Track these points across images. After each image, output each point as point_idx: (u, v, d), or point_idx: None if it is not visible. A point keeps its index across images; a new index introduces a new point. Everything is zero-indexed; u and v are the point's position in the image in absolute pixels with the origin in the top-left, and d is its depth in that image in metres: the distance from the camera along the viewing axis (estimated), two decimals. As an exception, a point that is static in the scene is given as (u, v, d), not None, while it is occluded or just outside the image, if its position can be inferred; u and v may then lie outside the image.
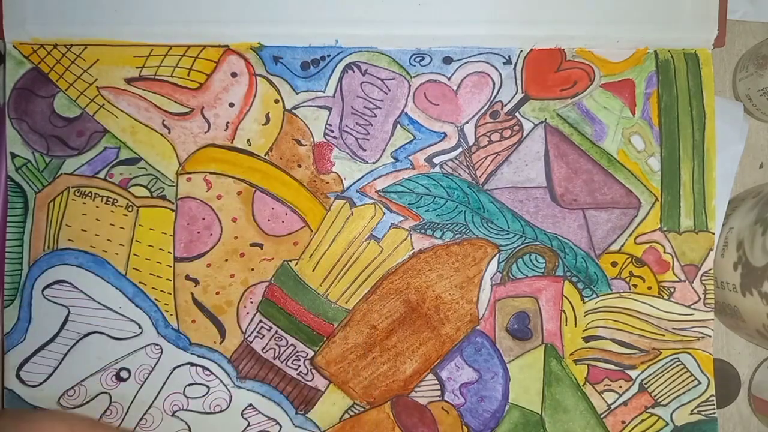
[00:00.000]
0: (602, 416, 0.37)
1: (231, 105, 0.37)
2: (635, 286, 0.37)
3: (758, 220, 0.34)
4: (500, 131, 0.37)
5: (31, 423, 0.30)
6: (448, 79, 0.37)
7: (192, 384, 0.37)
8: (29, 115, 0.37)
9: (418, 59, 0.37)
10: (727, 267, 0.35)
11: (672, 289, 0.37)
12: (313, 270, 0.37)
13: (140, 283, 0.37)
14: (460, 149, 0.37)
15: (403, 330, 0.37)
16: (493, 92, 0.37)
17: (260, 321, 0.37)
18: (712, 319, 0.37)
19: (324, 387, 0.37)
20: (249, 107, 0.37)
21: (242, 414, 0.37)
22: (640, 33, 0.37)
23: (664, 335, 0.37)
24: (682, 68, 0.37)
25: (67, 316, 0.37)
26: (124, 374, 0.37)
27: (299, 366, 0.37)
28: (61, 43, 0.37)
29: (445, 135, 0.37)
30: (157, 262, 0.37)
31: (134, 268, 0.37)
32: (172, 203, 0.37)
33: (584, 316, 0.37)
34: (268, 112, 0.37)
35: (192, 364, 0.37)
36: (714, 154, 0.37)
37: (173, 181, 0.37)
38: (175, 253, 0.37)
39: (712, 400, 0.37)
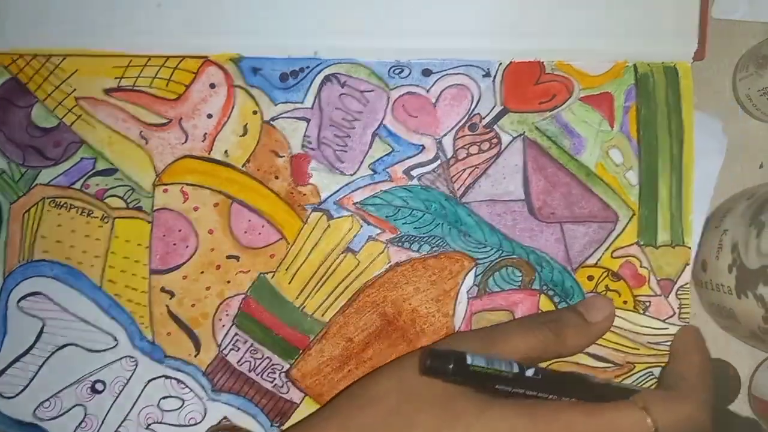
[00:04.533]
0: (580, 431, 0.37)
1: (209, 116, 0.37)
2: (611, 300, 0.37)
3: (752, 222, 0.33)
4: (479, 144, 0.37)
5: None
6: (427, 91, 0.37)
7: (167, 397, 0.37)
8: (6, 125, 0.37)
9: (397, 71, 0.37)
10: (721, 269, 0.35)
11: (647, 304, 0.37)
12: (290, 282, 0.37)
13: (115, 295, 0.37)
14: (439, 162, 0.37)
15: (379, 343, 0.37)
16: (471, 105, 0.37)
17: (236, 333, 0.37)
18: (689, 334, 0.37)
19: (299, 400, 0.37)
20: (227, 118, 0.37)
21: (217, 427, 0.37)
22: (619, 46, 0.37)
23: (638, 349, 0.37)
24: (661, 82, 0.37)
25: (42, 328, 0.37)
26: (99, 386, 0.37)
27: (275, 379, 0.37)
28: (40, 53, 0.37)
29: (424, 147, 0.37)
30: (133, 274, 0.37)
31: (109, 280, 0.37)
32: (149, 214, 0.37)
33: (562, 329, 0.37)
34: (246, 124, 0.37)
35: (167, 377, 0.37)
36: (692, 169, 0.37)
37: (150, 193, 0.37)
38: (150, 265, 0.37)
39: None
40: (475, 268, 0.37)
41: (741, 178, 0.39)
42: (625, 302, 0.37)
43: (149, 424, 0.37)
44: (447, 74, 0.37)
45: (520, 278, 0.37)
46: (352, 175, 0.37)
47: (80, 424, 0.37)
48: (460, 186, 0.37)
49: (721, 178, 0.39)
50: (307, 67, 0.37)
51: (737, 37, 0.40)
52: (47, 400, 0.37)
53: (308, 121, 0.37)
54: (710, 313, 0.38)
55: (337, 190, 0.37)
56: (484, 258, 0.37)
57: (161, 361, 0.37)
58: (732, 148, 0.39)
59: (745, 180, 0.39)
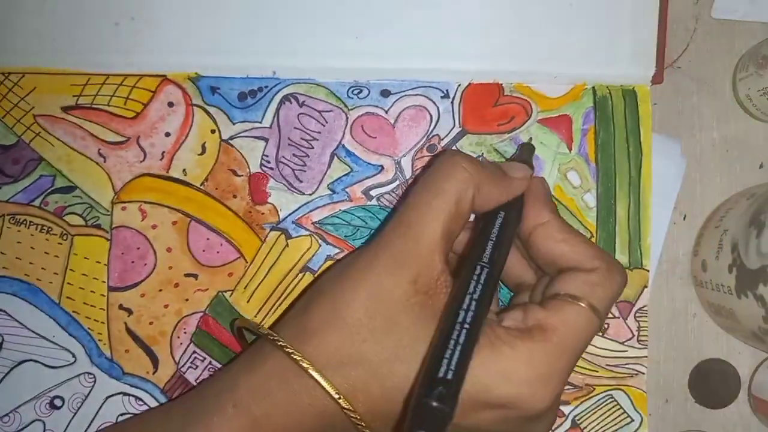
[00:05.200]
0: (535, 452, 0.37)
1: (167, 134, 0.37)
2: (568, 322, 0.37)
3: (752, 222, 0.33)
4: (437, 165, 0.37)
5: None
6: (386, 112, 0.37)
7: (125, 414, 0.37)
8: (-34, 142, 0.37)
9: (355, 92, 0.37)
10: (721, 269, 0.35)
11: (606, 326, 0.37)
12: (248, 301, 0.37)
13: (74, 312, 0.37)
14: (397, 182, 0.37)
15: (334, 364, 0.37)
16: (430, 126, 0.37)
17: (194, 351, 0.37)
18: (646, 356, 0.37)
19: (256, 419, 0.37)
20: (185, 137, 0.37)
21: (174, 444, 0.37)
22: (578, 69, 0.37)
23: (597, 371, 0.37)
24: (619, 105, 0.37)
25: (1, 343, 0.37)
26: (57, 402, 0.37)
27: (230, 398, 0.37)
28: (-1, 70, 0.37)
29: (383, 168, 0.37)
30: (91, 291, 0.37)
31: (68, 297, 0.37)
32: (107, 232, 0.37)
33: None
34: (205, 142, 0.37)
35: (125, 394, 0.37)
36: (650, 192, 0.37)
37: (108, 210, 0.37)
38: (109, 282, 0.37)
39: (646, 438, 0.37)
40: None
41: (741, 178, 0.39)
42: (582, 324, 0.37)
43: (107, 441, 0.37)
44: (406, 95, 0.37)
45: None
46: (310, 194, 0.37)
47: (40, 438, 0.37)
48: (418, 207, 0.37)
49: (721, 178, 0.39)
50: (266, 87, 0.37)
51: (737, 37, 0.39)
52: (6, 415, 0.37)
53: (267, 140, 0.37)
54: (710, 313, 0.38)
55: (296, 210, 0.37)
56: (441, 279, 0.37)
57: (119, 378, 0.37)
58: (732, 148, 0.39)
59: (745, 180, 0.39)
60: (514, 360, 0.27)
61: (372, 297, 0.28)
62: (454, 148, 0.37)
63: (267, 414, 0.28)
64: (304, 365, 0.27)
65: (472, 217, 0.32)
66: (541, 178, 0.33)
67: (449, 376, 0.24)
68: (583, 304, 0.28)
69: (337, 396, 0.27)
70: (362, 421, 0.27)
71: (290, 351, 0.27)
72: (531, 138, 0.37)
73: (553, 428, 0.37)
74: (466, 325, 0.25)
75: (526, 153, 0.35)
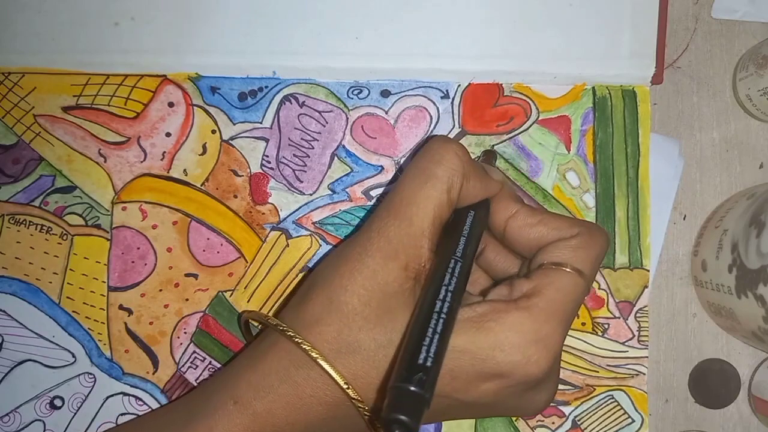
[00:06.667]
0: (535, 452, 0.37)
1: (167, 135, 0.37)
2: (569, 322, 0.37)
3: (752, 222, 0.33)
4: (437, 165, 0.37)
5: None
6: (386, 112, 0.37)
7: (125, 414, 0.37)
8: (-34, 142, 0.37)
9: (356, 92, 0.37)
10: (721, 269, 0.35)
11: (606, 326, 0.37)
12: (248, 301, 0.37)
13: (74, 312, 0.37)
14: (397, 182, 0.37)
15: (334, 364, 0.37)
16: (430, 126, 0.37)
17: (194, 351, 0.37)
18: (647, 357, 0.37)
19: (256, 419, 0.37)
20: (186, 137, 0.37)
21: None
22: (578, 69, 0.37)
23: (597, 372, 0.37)
24: (619, 105, 0.37)
25: (1, 343, 0.37)
26: (57, 402, 0.37)
27: (230, 398, 0.37)
28: (-1, 70, 0.37)
29: (383, 168, 0.37)
30: (91, 291, 0.37)
31: (68, 297, 0.37)
32: (107, 232, 0.37)
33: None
34: (205, 143, 0.37)
35: (125, 394, 0.37)
36: (648, 192, 0.37)
37: (108, 210, 0.37)
38: (108, 282, 0.37)
39: (646, 438, 0.37)
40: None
41: (741, 178, 0.39)
42: (583, 324, 0.37)
43: (107, 441, 0.37)
44: (406, 95, 0.37)
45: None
46: (311, 194, 0.37)
47: (39, 439, 0.37)
48: (418, 207, 0.37)
49: (721, 178, 0.39)
50: (266, 87, 0.37)
51: (737, 37, 0.39)
52: (6, 414, 0.37)
53: (267, 140, 0.37)
54: (710, 313, 0.38)
55: (296, 210, 0.37)
56: (441, 279, 0.37)
57: (119, 378, 0.37)
58: (732, 148, 0.39)
59: (745, 180, 0.39)
60: (504, 330, 0.27)
61: (366, 285, 0.28)
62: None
63: (269, 408, 0.28)
64: (314, 355, 0.27)
65: None
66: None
67: (428, 363, 0.24)
68: (567, 269, 0.28)
69: (345, 386, 0.27)
70: (368, 409, 0.28)
71: (299, 341, 0.28)
72: (524, 145, 0.37)
73: (553, 428, 0.37)
74: (443, 315, 0.26)
75: (490, 159, 0.35)
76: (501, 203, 0.31)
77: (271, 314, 0.37)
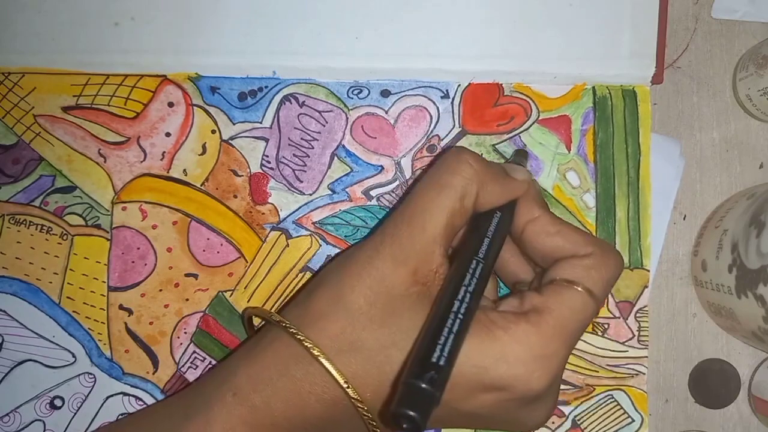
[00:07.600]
0: (535, 452, 0.37)
1: (167, 135, 0.37)
2: (568, 322, 0.37)
3: (752, 222, 0.33)
4: (437, 165, 0.37)
5: None
6: (386, 112, 0.37)
7: (125, 413, 0.37)
8: (-34, 142, 0.37)
9: (355, 92, 0.37)
10: (721, 269, 0.35)
11: (606, 326, 0.37)
12: (248, 301, 0.37)
13: (74, 312, 0.37)
14: (397, 182, 0.37)
15: (334, 364, 0.37)
16: (430, 126, 0.37)
17: (194, 351, 0.37)
18: (646, 357, 0.37)
19: (256, 419, 0.37)
20: (185, 137, 0.37)
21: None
22: (578, 69, 0.37)
23: (597, 371, 0.37)
24: (619, 105, 0.37)
25: (1, 343, 0.37)
26: (57, 402, 0.37)
27: (230, 398, 0.37)
28: (-1, 70, 0.37)
29: (383, 168, 0.37)
30: (91, 291, 0.37)
31: (68, 297, 0.37)
32: (107, 232, 0.37)
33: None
34: (205, 143, 0.37)
35: (125, 394, 0.37)
36: (649, 192, 0.37)
37: (108, 210, 0.37)
38: (109, 282, 0.37)
39: (646, 438, 0.37)
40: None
41: (741, 178, 0.39)
42: (582, 323, 0.37)
43: (107, 441, 0.37)
44: (406, 95, 0.37)
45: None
46: (311, 194, 0.37)
47: (40, 439, 0.37)
48: (418, 207, 0.37)
49: (721, 178, 0.39)
50: (266, 87, 0.37)
51: (737, 37, 0.39)
52: (6, 414, 0.37)
53: (267, 140, 0.37)
54: (710, 313, 0.38)
55: (296, 210, 0.37)
56: (441, 279, 0.37)
57: (119, 378, 0.37)
58: (732, 148, 0.39)
59: (745, 180, 0.39)
60: (511, 341, 0.27)
61: (374, 286, 0.28)
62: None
63: (267, 402, 0.28)
64: (315, 352, 0.27)
65: None
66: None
67: (441, 362, 0.24)
68: (578, 288, 0.28)
69: (345, 384, 0.27)
70: (367, 410, 0.28)
71: (301, 338, 0.28)
72: (525, 144, 0.37)
73: (553, 429, 0.37)
74: (460, 315, 0.26)
75: (521, 159, 0.35)
76: (524, 205, 0.31)
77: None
